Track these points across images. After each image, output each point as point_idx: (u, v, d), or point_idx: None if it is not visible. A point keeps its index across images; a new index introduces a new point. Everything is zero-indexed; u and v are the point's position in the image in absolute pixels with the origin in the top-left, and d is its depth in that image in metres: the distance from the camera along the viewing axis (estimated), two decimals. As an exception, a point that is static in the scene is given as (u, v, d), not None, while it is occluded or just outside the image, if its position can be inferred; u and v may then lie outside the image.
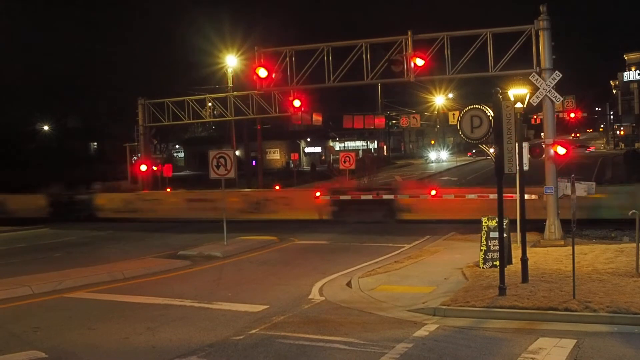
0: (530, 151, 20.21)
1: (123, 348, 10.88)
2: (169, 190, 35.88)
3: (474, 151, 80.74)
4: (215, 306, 13.59)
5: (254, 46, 26.50)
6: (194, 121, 37.25)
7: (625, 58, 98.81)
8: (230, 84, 41.58)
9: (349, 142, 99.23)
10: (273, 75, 25.69)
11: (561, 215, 20.66)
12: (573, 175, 13.54)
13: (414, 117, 55.23)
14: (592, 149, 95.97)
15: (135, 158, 35.09)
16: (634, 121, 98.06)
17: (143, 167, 34.01)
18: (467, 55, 23.27)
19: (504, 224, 14.33)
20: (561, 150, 21.03)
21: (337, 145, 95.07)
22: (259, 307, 13.36)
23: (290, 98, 30.05)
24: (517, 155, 13.59)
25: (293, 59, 25.56)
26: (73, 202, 33.70)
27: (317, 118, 37.40)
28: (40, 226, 30.69)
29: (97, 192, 34.33)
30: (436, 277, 15.63)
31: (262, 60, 25.70)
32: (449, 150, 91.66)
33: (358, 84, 26.32)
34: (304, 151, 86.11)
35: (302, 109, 30.61)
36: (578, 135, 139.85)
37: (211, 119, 37.89)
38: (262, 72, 25.41)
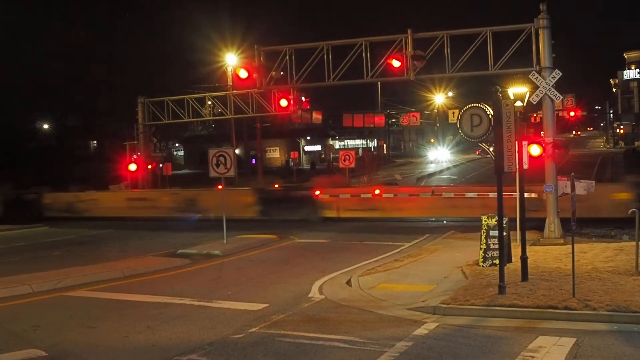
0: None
1: (123, 346, 10.88)
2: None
3: (481, 150, 79.03)
4: (215, 304, 13.59)
5: (254, 45, 26.60)
6: (193, 119, 37.28)
7: (625, 57, 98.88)
8: (230, 83, 41.53)
9: (348, 140, 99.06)
10: (254, 76, 26.21)
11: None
12: (573, 173, 13.55)
13: (413, 116, 55.24)
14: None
15: (135, 156, 35.06)
16: (634, 120, 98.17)
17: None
18: (467, 53, 23.27)
19: (504, 222, 14.34)
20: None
21: (337, 144, 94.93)
22: (258, 305, 13.37)
23: (291, 96, 30.06)
24: (516, 154, 13.60)
25: (293, 57, 25.60)
26: (292, 198, 28.77)
27: (316, 116, 37.40)
28: (40, 225, 30.67)
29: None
30: (436, 275, 15.63)
31: (261, 59, 25.78)
32: (450, 149, 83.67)
33: (358, 82, 26.30)
34: (303, 150, 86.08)
35: (291, 107, 30.54)
36: (579, 132, 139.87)
37: (211, 118, 37.88)
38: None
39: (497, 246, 14.89)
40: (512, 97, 19.67)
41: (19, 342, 11.17)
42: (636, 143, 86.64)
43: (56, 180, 36.96)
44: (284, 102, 29.93)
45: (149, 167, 35.07)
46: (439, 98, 73.33)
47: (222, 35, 47.97)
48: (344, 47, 25.37)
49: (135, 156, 34.84)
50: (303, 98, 30.97)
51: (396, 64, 23.82)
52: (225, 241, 21.71)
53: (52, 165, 54.50)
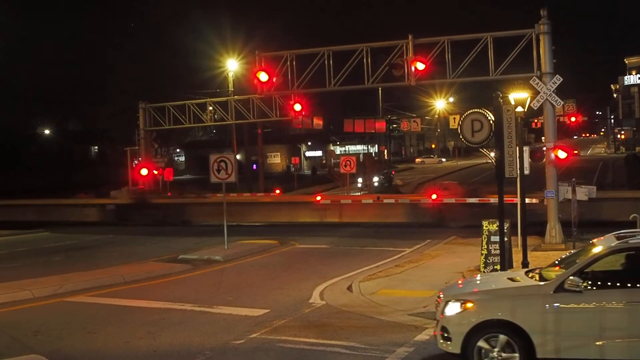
0: (531, 155, 20.18)
1: (124, 352, 10.86)
2: (169, 194, 35.84)
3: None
4: (216, 310, 13.58)
5: (255, 50, 26.63)
6: (194, 125, 37.31)
7: (626, 62, 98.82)
8: (231, 88, 41.63)
9: (349, 146, 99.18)
10: (274, 79, 25.82)
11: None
12: (574, 179, 13.55)
13: (414, 121, 55.22)
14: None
15: (136, 162, 35.11)
16: (635, 125, 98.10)
17: (144, 171, 33.74)
18: (468, 59, 23.29)
19: (505, 227, 14.33)
20: (562, 154, 20.90)
21: (338, 149, 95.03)
22: (259, 311, 13.35)
23: (291, 102, 30.07)
24: (517, 159, 13.60)
25: (294, 63, 25.61)
26: None
27: (317, 122, 37.44)
28: (41, 230, 30.65)
29: None
30: (437, 281, 15.59)
31: (262, 65, 25.77)
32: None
33: (359, 88, 26.35)
34: (304, 155, 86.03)
35: (303, 112, 30.58)
36: (587, 135, 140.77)
37: (212, 123, 37.98)
38: (263, 76, 25.58)
39: (498, 252, 14.87)
40: (513, 103, 19.65)
41: (19, 347, 11.15)
42: (637, 148, 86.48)
43: (57, 185, 36.98)
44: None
45: (155, 172, 35.19)
46: (440, 103, 73.35)
47: (223, 41, 48.15)
48: (344, 52, 25.40)
49: (136, 162, 34.91)
50: (304, 103, 30.96)
51: (397, 69, 23.84)
52: (226, 246, 21.69)
53: (53, 170, 54.59)
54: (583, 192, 19.00)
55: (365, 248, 22.39)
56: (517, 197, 17.80)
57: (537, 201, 23.26)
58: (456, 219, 26.25)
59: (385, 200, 29.11)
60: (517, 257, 15.57)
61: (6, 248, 25.16)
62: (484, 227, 16.26)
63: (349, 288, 15.47)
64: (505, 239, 14.53)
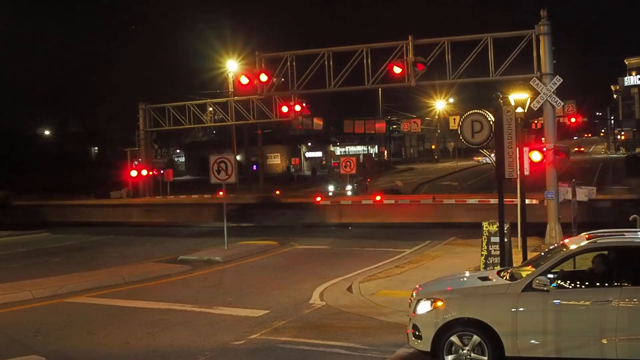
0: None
1: (123, 353, 10.86)
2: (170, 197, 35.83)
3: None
4: (216, 311, 13.58)
5: (255, 51, 26.66)
6: (194, 126, 37.37)
7: (626, 63, 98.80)
8: (231, 89, 41.64)
9: (349, 146, 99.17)
10: (274, 80, 25.92)
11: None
12: (574, 179, 13.55)
13: (414, 122, 55.23)
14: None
15: (136, 163, 35.12)
16: (635, 126, 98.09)
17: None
18: (468, 60, 23.32)
19: (505, 228, 14.34)
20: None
21: (338, 150, 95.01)
22: (259, 311, 13.35)
23: (291, 103, 30.11)
24: (517, 160, 13.60)
25: (294, 63, 25.64)
26: None
27: (317, 123, 37.49)
28: (41, 230, 30.64)
29: None
30: (437, 282, 15.59)
31: (262, 65, 25.80)
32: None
33: (359, 88, 26.37)
34: (304, 156, 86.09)
35: (292, 114, 30.53)
36: (590, 135, 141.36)
37: (212, 124, 38.03)
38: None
39: (498, 253, 14.87)
40: (513, 104, 19.70)
41: (19, 348, 11.15)
42: (637, 149, 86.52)
43: (57, 186, 36.96)
44: (285, 109, 29.93)
45: (151, 173, 35.08)
46: (440, 104, 73.35)
47: (223, 41, 48.12)
48: (344, 53, 25.42)
49: (136, 162, 34.91)
50: (304, 104, 31.00)
51: (397, 70, 23.86)
52: (225, 247, 21.70)
53: (53, 171, 54.57)
54: (583, 193, 19.02)
55: (365, 249, 22.39)
56: (517, 198, 17.79)
57: (537, 202, 23.27)
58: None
59: (385, 201, 29.15)
60: (517, 257, 15.56)
61: (6, 249, 25.14)
62: (484, 228, 16.25)
63: (349, 289, 15.47)
64: (505, 239, 14.55)
